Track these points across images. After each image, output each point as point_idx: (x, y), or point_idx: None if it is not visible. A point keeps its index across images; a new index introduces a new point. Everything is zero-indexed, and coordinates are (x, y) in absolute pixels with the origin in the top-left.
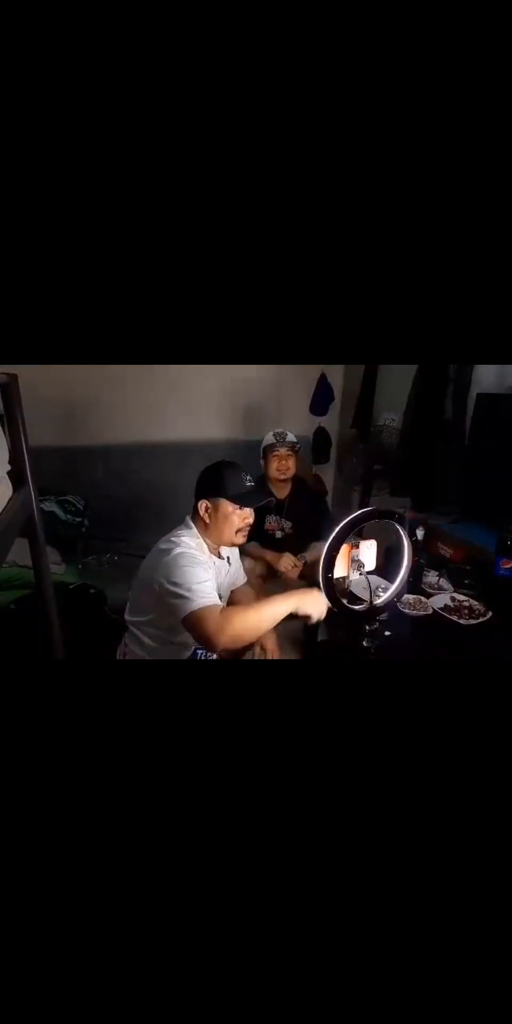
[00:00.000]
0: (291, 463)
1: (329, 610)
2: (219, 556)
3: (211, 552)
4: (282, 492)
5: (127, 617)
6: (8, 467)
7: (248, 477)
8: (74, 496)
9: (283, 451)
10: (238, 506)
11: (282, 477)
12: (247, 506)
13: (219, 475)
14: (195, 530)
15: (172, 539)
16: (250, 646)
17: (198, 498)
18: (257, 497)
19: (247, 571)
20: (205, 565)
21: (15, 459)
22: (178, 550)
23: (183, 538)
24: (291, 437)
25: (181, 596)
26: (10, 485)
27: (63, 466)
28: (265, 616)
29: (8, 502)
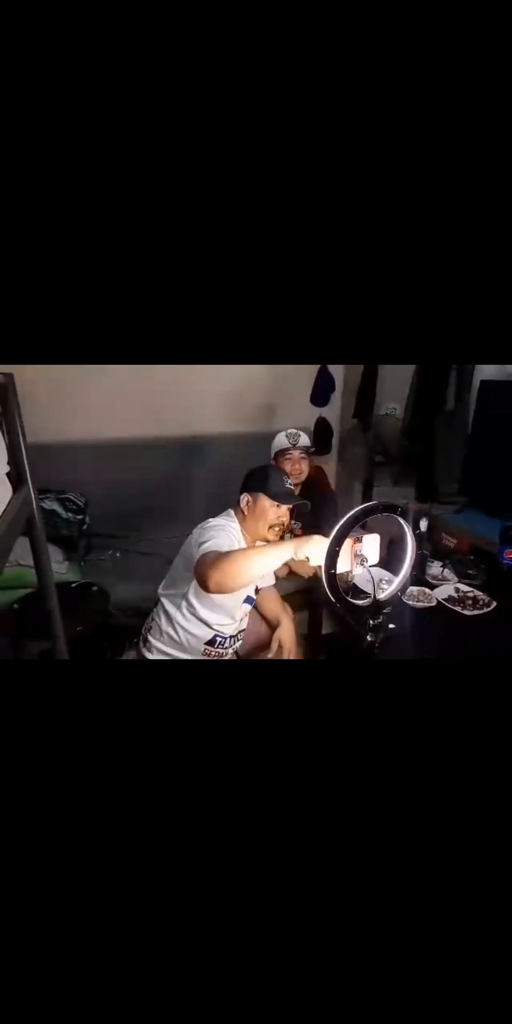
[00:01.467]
0: (304, 466)
1: (332, 604)
2: None
3: (248, 546)
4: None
5: (160, 591)
6: (7, 468)
7: (289, 481)
8: (75, 493)
9: (296, 454)
10: (275, 504)
11: (294, 482)
12: (283, 503)
13: (263, 474)
14: (236, 520)
15: (212, 520)
16: (268, 645)
17: (242, 492)
18: (293, 497)
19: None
20: (232, 537)
21: (14, 459)
22: (220, 525)
23: (227, 528)
24: (304, 440)
25: (199, 549)
26: (10, 487)
27: (63, 463)
28: (257, 560)
29: (8, 504)
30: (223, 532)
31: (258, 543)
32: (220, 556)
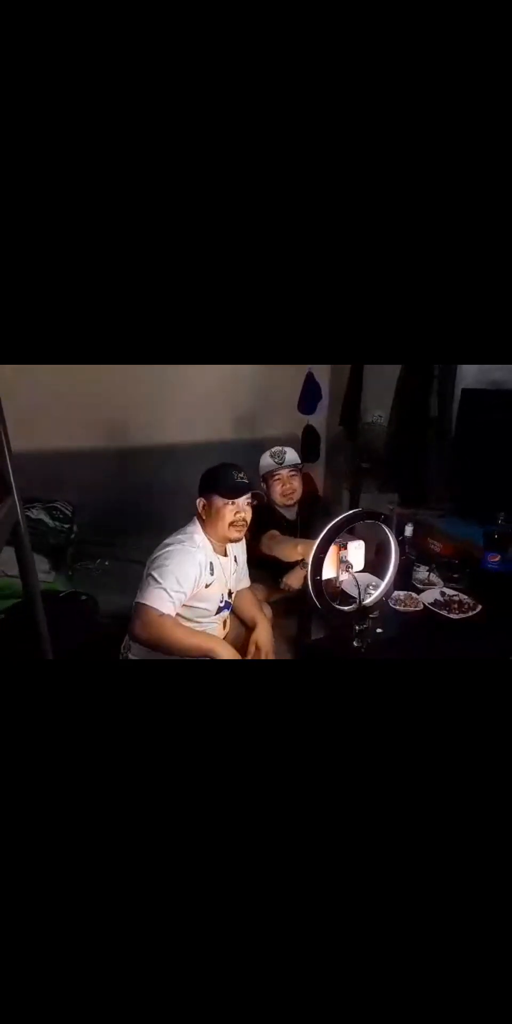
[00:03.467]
0: (296, 484)
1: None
2: (224, 555)
3: (216, 551)
4: (292, 513)
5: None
6: None
7: (240, 475)
8: (62, 502)
9: (285, 474)
10: (229, 501)
11: (290, 502)
12: (233, 498)
13: (213, 474)
14: (199, 527)
15: (179, 536)
16: (245, 648)
17: (198, 497)
18: (244, 489)
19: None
20: (194, 570)
21: None
22: (177, 547)
23: (193, 535)
24: (291, 456)
25: (147, 583)
26: None
27: (51, 471)
28: (187, 644)
29: None
30: (177, 559)
31: (229, 547)
32: (154, 623)
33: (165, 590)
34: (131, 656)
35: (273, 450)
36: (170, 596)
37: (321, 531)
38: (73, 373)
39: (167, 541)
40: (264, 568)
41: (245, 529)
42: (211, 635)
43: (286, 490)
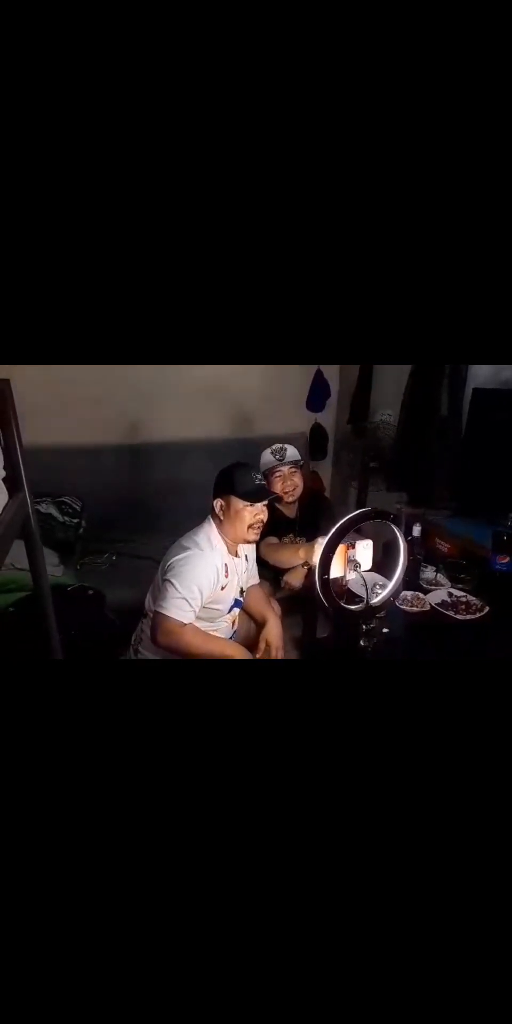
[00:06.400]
0: (297, 479)
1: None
2: (236, 555)
3: (230, 551)
4: (292, 511)
5: (147, 604)
6: (3, 473)
7: (258, 476)
8: (71, 497)
9: (286, 470)
10: (248, 503)
11: (291, 499)
12: (255, 502)
13: (230, 474)
14: (215, 527)
15: (194, 538)
16: (255, 645)
17: (214, 497)
18: (265, 493)
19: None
20: (211, 576)
21: (10, 463)
22: (194, 552)
23: (209, 537)
24: (292, 453)
25: (166, 590)
26: (6, 491)
27: (60, 466)
28: (207, 650)
29: (4, 508)
30: (194, 564)
31: (240, 547)
32: (175, 632)
33: (185, 599)
34: (142, 650)
35: (274, 447)
36: (190, 605)
37: (326, 530)
38: (83, 369)
39: (183, 543)
40: (265, 568)
41: (262, 530)
42: (228, 641)
43: (287, 487)
